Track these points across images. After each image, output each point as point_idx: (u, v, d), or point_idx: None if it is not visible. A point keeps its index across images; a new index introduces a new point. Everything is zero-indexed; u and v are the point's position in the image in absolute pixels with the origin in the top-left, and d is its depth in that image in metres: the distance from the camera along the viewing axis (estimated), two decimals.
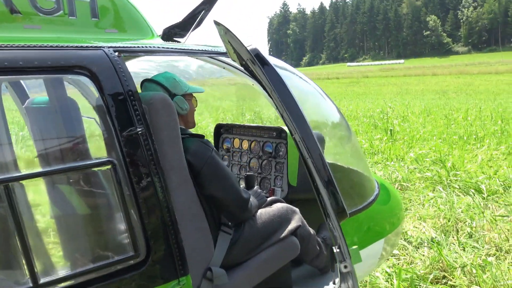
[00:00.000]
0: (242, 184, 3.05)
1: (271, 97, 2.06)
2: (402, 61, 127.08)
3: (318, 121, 2.94)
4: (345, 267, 1.85)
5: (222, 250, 2.33)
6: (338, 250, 1.90)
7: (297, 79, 2.84)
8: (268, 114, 13.77)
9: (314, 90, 2.92)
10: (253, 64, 1.92)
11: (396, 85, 44.95)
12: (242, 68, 3.19)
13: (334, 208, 1.96)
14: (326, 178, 1.97)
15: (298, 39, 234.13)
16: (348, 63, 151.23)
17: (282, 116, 2.01)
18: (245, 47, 1.90)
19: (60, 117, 2.09)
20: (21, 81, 2.56)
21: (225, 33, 1.95)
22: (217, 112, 15.56)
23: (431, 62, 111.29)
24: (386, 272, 4.47)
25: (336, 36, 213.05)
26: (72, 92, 2.17)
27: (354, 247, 1.96)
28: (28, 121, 2.36)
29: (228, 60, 3.09)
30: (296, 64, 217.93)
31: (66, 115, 2.08)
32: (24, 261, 1.58)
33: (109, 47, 1.94)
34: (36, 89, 2.57)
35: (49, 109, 2.17)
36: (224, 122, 3.98)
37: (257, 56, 1.92)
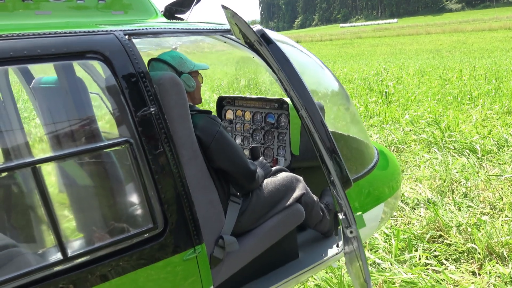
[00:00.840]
0: (247, 155, 3.15)
1: (276, 75, 2.13)
2: (395, 20, 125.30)
3: (318, 91, 3.02)
4: (351, 232, 1.98)
5: (232, 219, 2.45)
6: (344, 216, 2.02)
7: (298, 52, 2.90)
8: (268, 87, 13.74)
9: (313, 62, 2.98)
10: (260, 45, 1.99)
11: (389, 45, 44.64)
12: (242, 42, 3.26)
13: (339, 178, 2.07)
14: (332, 151, 2.07)
15: (290, 1, 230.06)
16: (341, 24, 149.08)
17: (289, 94, 2.09)
18: (252, 29, 1.96)
19: (72, 97, 2.16)
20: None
21: (232, 16, 2.01)
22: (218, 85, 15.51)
23: (425, 21, 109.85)
24: (385, 233, 4.64)
25: None
26: (85, 76, 2.24)
27: (359, 213, 2.07)
28: (37, 101, 2.42)
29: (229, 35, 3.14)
30: (289, 27, 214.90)
31: (78, 96, 2.15)
32: (54, 237, 1.69)
33: (119, 31, 2.00)
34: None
35: (59, 90, 2.23)
36: (227, 95, 4.04)
37: (263, 36, 1.99)
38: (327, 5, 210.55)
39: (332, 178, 2.14)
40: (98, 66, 1.97)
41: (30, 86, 2.48)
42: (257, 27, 2.01)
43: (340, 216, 2.06)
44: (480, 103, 10.43)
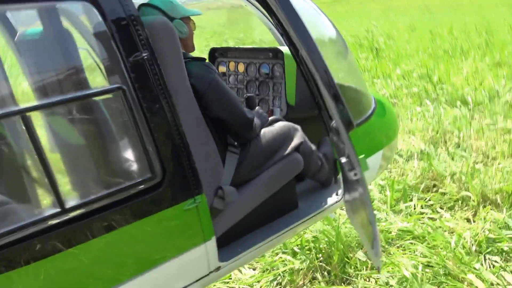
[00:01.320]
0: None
1: (272, 16, 2.05)
2: None
3: (317, 38, 2.94)
4: (355, 174, 1.94)
5: (231, 170, 2.41)
6: (347, 159, 1.98)
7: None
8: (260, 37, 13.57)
9: (309, 7, 2.88)
10: None
11: (379, 2, 43.94)
12: None
13: (341, 118, 2.02)
14: (333, 91, 2.01)
15: None
16: None
17: (287, 34, 2.01)
18: None
19: (60, 47, 2.06)
20: (7, 15, 2.47)
21: None
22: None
23: None
24: (380, 184, 4.66)
25: None
26: (72, 20, 2.13)
27: (361, 156, 2.04)
28: (22, 55, 2.31)
29: None
30: None
31: (66, 45, 2.05)
32: (50, 188, 1.64)
33: None
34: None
35: (45, 40, 2.13)
36: (219, 46, 3.94)
37: None
38: None
39: (332, 123, 2.08)
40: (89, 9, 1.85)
41: (14, 40, 2.37)
42: None
43: (343, 159, 2.01)
44: (471, 56, 10.38)
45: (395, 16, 25.61)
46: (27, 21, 2.40)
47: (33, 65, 2.27)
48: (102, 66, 1.96)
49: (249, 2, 3.20)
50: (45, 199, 1.81)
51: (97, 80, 2.04)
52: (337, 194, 2.81)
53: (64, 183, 1.91)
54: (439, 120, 6.23)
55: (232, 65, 3.75)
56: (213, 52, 3.86)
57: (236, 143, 2.51)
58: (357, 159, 1.92)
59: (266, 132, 2.63)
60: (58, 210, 1.66)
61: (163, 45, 2.07)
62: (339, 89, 2.10)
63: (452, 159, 5.14)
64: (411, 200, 4.30)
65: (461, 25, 16.38)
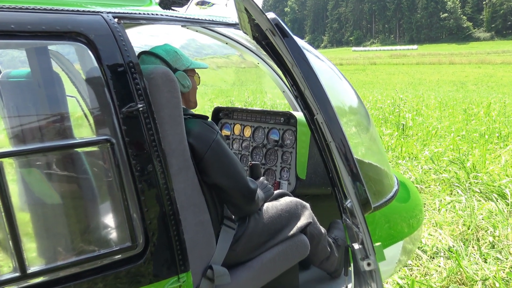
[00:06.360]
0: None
1: (288, 75, 2.12)
2: (415, 46, 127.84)
3: (336, 106, 3.01)
4: (369, 264, 1.91)
5: (225, 247, 2.39)
6: (360, 246, 1.96)
7: (316, 59, 2.89)
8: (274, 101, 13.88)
9: (329, 68, 2.98)
10: (273, 35, 1.98)
11: (408, 74, 45.27)
12: (247, 44, 3.26)
13: (357, 198, 2.02)
14: (351, 165, 2.03)
15: (297, 19, 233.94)
16: (354, 48, 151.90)
17: (302, 95, 2.06)
18: (265, 16, 1.96)
19: (46, 90, 2.12)
20: None
21: None
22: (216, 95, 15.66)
23: (448, 49, 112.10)
24: (398, 283, 4.57)
25: (340, 16, 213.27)
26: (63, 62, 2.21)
27: (378, 243, 2.02)
28: (3, 96, 2.38)
29: (232, 34, 3.15)
30: None
31: (53, 89, 2.12)
32: (12, 249, 1.63)
33: (108, 13, 1.99)
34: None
35: (30, 82, 2.20)
36: (224, 106, 4.02)
37: (277, 26, 1.98)
38: (338, 26, 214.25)
39: (347, 202, 2.09)
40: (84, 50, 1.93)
41: None
42: (271, 15, 2.01)
43: (356, 246, 2.00)
44: (511, 143, 10.49)
45: (425, 90, 26.23)
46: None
47: (14, 108, 2.33)
48: (91, 115, 2.00)
49: (263, 60, 3.31)
50: (6, 260, 1.79)
51: (83, 129, 2.07)
52: None
53: (29, 243, 1.90)
54: (472, 213, 6.19)
55: (237, 128, 3.82)
56: (217, 112, 3.95)
57: (233, 217, 2.50)
58: (373, 246, 1.90)
59: (270, 207, 2.63)
60: (18, 274, 1.64)
61: (162, 97, 2.13)
62: (358, 164, 2.12)
63: (485, 261, 5.06)
64: None
65: (500, 107, 16.70)
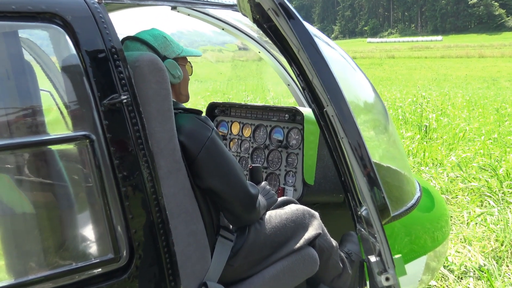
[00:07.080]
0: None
1: (293, 63, 2.12)
2: (439, 37, 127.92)
3: (350, 100, 3.01)
4: (387, 279, 1.90)
5: (221, 261, 2.39)
6: (377, 258, 1.95)
7: (326, 46, 2.89)
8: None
9: (344, 61, 2.98)
10: (276, 16, 1.97)
11: (431, 69, 45.34)
12: (246, 30, 3.27)
13: (374, 203, 2.01)
14: (367, 165, 2.02)
15: (304, 5, 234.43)
16: (369, 39, 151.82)
17: (310, 85, 2.06)
18: None
19: (14, 79, 2.12)
20: None
21: None
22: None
23: (478, 40, 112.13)
24: None
25: (354, 3, 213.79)
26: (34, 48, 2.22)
27: (398, 256, 2.00)
28: None
29: (230, 18, 3.15)
30: None
31: (23, 77, 2.12)
32: None
33: None
34: None
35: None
36: (220, 101, 4.02)
37: (281, 5, 1.97)
38: (351, 14, 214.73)
39: (362, 210, 2.09)
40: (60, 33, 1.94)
41: None
42: None
43: (373, 258, 2.00)
44: None
45: (451, 88, 26.24)
46: None
47: None
48: (66, 108, 2.00)
49: (264, 48, 3.31)
50: None
51: (58, 124, 2.07)
52: None
53: (2, 255, 1.91)
54: (506, 227, 6.18)
55: (235, 126, 3.81)
56: (213, 108, 3.94)
57: (231, 226, 2.50)
58: (392, 258, 1.90)
59: (273, 215, 2.64)
60: None
61: (149, 89, 2.13)
62: (375, 167, 2.12)
63: None
64: None
65: None
